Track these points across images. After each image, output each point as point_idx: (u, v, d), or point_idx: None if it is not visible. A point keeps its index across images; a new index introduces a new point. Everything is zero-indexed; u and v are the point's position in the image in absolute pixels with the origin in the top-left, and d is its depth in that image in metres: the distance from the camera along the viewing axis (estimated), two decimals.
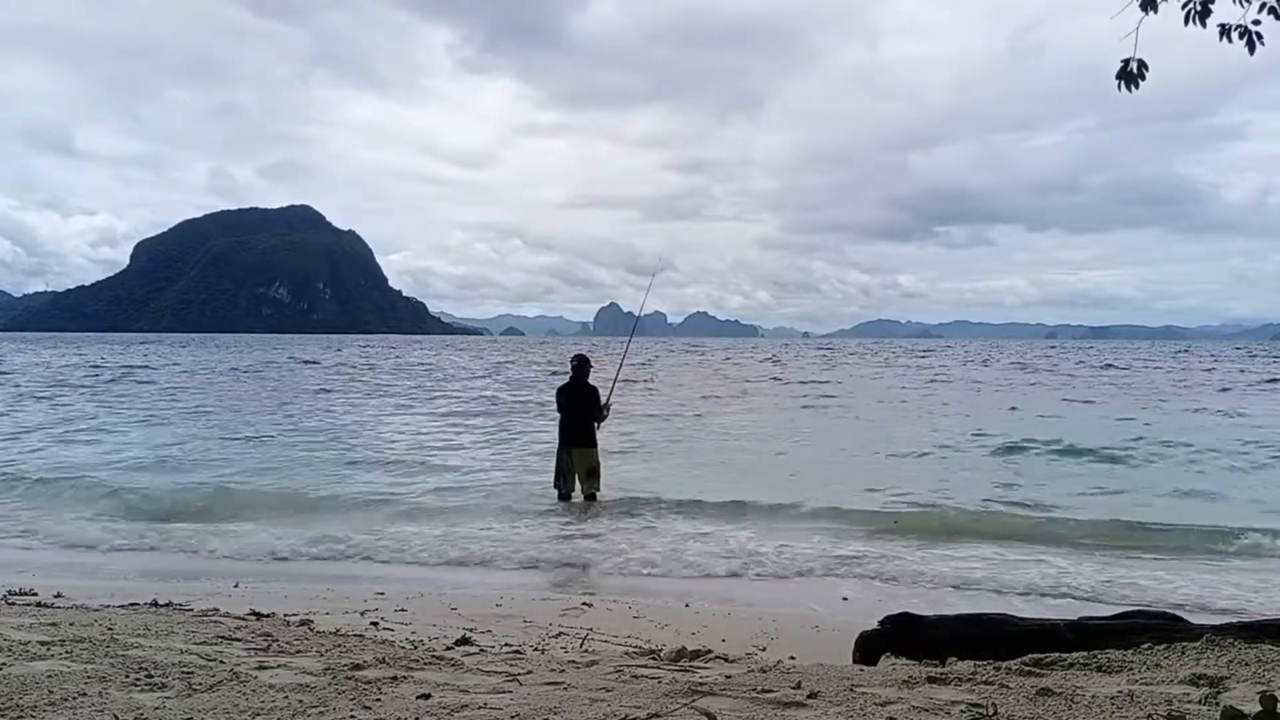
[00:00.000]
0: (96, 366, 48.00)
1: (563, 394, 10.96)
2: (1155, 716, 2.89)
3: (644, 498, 11.10)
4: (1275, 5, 4.10)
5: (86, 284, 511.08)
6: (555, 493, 10.82)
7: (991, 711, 2.97)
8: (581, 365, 10.95)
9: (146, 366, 48.92)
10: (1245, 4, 4.09)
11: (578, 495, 10.76)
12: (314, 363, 57.32)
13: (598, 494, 10.78)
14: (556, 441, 10.94)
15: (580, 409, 10.76)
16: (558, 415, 11.01)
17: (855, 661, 4.24)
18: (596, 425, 10.78)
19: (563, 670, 3.88)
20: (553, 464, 10.96)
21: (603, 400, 10.88)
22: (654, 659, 4.40)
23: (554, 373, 40.93)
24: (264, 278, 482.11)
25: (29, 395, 28.89)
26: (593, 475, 10.78)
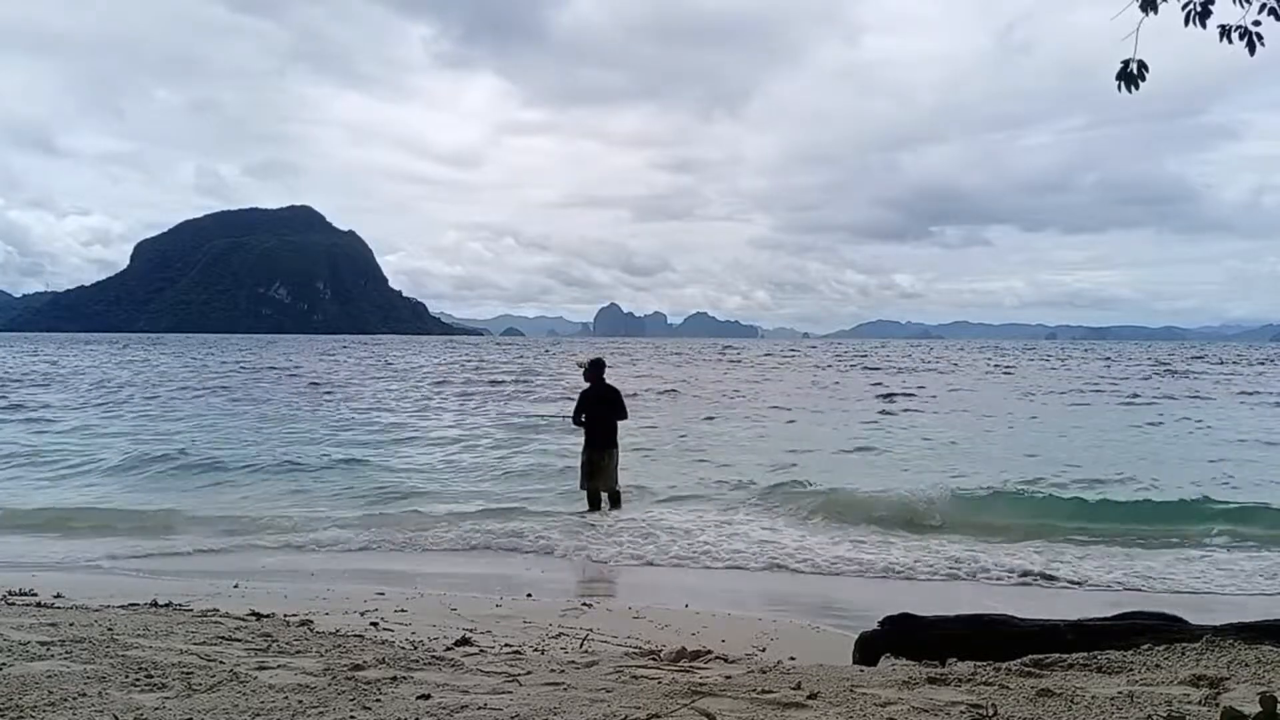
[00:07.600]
0: None
1: (589, 398, 10.99)
2: (1155, 717, 2.88)
3: (651, 495, 11.16)
4: (1275, 6, 4.09)
5: (86, 284, 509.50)
6: (583, 494, 10.86)
7: (991, 712, 2.97)
8: (600, 369, 11.03)
9: None
10: (1245, 4, 4.08)
11: (603, 495, 10.82)
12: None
13: (619, 491, 10.91)
14: (584, 444, 10.94)
15: (606, 411, 10.83)
16: (582, 419, 11.04)
17: (855, 662, 4.24)
18: (619, 423, 10.92)
19: (563, 671, 3.87)
20: (578, 466, 11.02)
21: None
22: (654, 659, 4.39)
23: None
24: (264, 278, 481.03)
25: None
26: (616, 475, 10.92)
